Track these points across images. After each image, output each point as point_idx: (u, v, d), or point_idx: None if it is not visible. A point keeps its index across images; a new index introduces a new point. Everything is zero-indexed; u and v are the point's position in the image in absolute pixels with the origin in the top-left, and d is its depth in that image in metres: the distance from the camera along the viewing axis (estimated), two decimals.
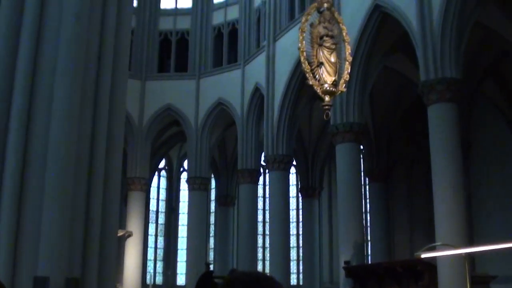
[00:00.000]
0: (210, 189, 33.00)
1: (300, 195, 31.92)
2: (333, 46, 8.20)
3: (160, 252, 33.86)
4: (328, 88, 8.07)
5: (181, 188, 34.56)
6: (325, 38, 8.19)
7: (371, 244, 27.38)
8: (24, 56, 5.14)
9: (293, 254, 31.50)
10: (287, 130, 23.76)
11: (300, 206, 32.32)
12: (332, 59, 8.15)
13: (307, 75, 8.09)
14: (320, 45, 8.17)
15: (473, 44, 19.56)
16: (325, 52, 8.13)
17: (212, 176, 32.58)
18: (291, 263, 30.08)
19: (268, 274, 2.66)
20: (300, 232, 31.92)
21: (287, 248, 24.65)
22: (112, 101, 5.64)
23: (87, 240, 5.21)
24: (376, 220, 26.99)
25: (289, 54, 22.47)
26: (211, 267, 26.83)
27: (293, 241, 31.56)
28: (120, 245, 25.85)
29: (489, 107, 23.60)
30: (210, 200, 33.72)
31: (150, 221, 33.13)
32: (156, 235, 33.84)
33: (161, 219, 34.35)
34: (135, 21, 27.17)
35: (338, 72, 8.19)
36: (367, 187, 28.30)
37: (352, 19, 18.78)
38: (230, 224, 32.01)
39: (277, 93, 23.89)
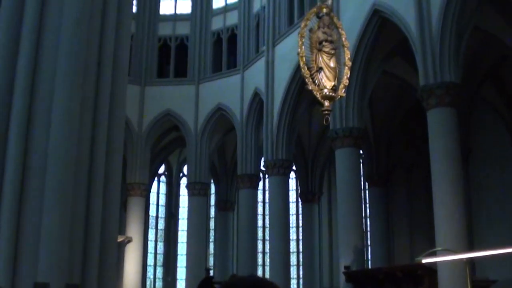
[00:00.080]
0: (210, 194, 32.98)
1: (299, 200, 31.89)
2: (333, 51, 8.22)
3: (160, 258, 33.82)
4: (327, 93, 8.08)
5: (180, 193, 34.53)
6: (324, 43, 8.20)
7: (371, 248, 27.34)
8: (25, 62, 5.15)
9: (293, 259, 31.45)
10: (286, 135, 23.75)
11: (300, 211, 32.29)
12: (332, 64, 8.16)
13: (306, 80, 8.10)
14: (320, 50, 8.18)
15: (472, 49, 19.59)
16: (325, 57, 8.14)
17: (212, 181, 32.55)
18: (291, 268, 30.02)
19: (267, 279, 2.65)
20: (300, 237, 31.89)
21: (287, 253, 24.61)
22: (111, 106, 5.65)
23: (87, 246, 5.21)
24: (376, 225, 26.97)
25: (288, 59, 22.49)
26: (211, 272, 26.83)
27: (293, 246, 31.51)
28: (119, 250, 25.80)
29: (488, 111, 23.60)
30: (209, 206, 33.69)
31: (149, 226, 33.10)
32: (156, 241, 33.80)
33: (161, 224, 34.31)
34: (134, 26, 27.19)
35: (338, 77, 8.20)
36: (367, 191, 28.28)
37: (351, 24, 18.80)
38: (230, 229, 31.97)
39: (276, 98, 23.89)
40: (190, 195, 28.31)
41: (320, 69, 8.12)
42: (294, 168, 29.61)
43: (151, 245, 33.27)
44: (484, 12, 17.73)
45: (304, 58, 8.14)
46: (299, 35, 8.26)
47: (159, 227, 34.16)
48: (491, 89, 23.18)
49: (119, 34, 5.82)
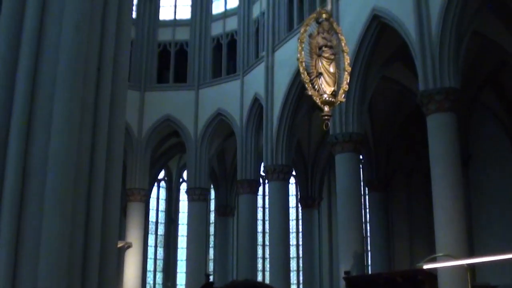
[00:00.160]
0: (210, 199, 32.96)
1: (299, 205, 31.86)
2: (332, 57, 8.22)
3: (160, 263, 33.78)
4: (327, 98, 8.08)
5: (180, 198, 34.51)
6: (324, 48, 8.21)
7: (371, 254, 27.32)
8: (25, 68, 5.16)
9: (293, 264, 31.41)
10: (286, 140, 23.76)
11: (300, 216, 32.26)
12: (331, 69, 8.16)
13: (306, 85, 8.10)
14: (319, 55, 8.18)
15: (472, 54, 19.61)
16: (324, 63, 8.15)
17: (212, 186, 32.53)
18: (291, 274, 30.00)
19: (267, 284, 2.65)
20: (300, 243, 31.85)
21: (287, 258, 24.59)
22: (112, 112, 5.65)
23: (87, 251, 5.20)
24: (376, 230, 26.95)
25: (288, 64, 22.51)
26: (211, 278, 26.79)
27: (293, 251, 31.47)
28: (119, 256, 25.79)
29: (488, 116, 23.61)
30: (209, 211, 33.66)
31: (149, 232, 33.06)
32: (155, 246, 33.76)
33: (161, 230, 34.28)
34: (134, 32, 27.23)
35: (337, 82, 8.20)
36: (367, 196, 28.27)
37: (351, 29, 18.83)
38: (229, 234, 31.94)
39: (276, 103, 23.91)
40: (190, 200, 28.31)
41: (319, 74, 8.12)
42: (294, 173, 29.61)
43: (151, 251, 33.23)
44: (483, 17, 17.76)
45: (303, 64, 8.14)
46: (299, 40, 8.27)
47: (159, 233, 34.12)
48: (491, 94, 23.21)
49: (119, 39, 5.83)
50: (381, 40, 19.37)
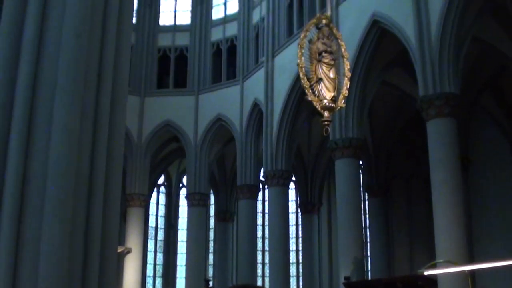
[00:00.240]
0: (209, 205, 32.94)
1: (299, 210, 31.83)
2: (332, 62, 8.24)
3: (159, 269, 33.73)
4: (327, 103, 8.09)
5: (180, 204, 34.49)
6: (324, 54, 8.23)
7: (371, 259, 27.29)
8: (25, 73, 5.16)
9: (293, 270, 31.37)
10: (286, 145, 23.75)
11: (300, 222, 32.23)
12: (331, 75, 8.18)
13: (306, 91, 8.11)
14: (319, 61, 8.20)
15: (472, 59, 19.64)
16: (324, 68, 8.16)
17: (211, 192, 32.51)
18: (291, 279, 29.96)
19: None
20: (300, 248, 31.81)
21: (287, 264, 24.54)
22: (112, 118, 5.65)
23: (87, 256, 5.20)
24: (376, 235, 26.92)
25: (287, 70, 22.53)
26: (211, 283, 26.72)
27: (292, 257, 31.43)
28: (119, 261, 25.75)
29: (487, 121, 23.63)
30: (209, 216, 33.64)
31: (149, 237, 33.03)
32: (155, 252, 33.72)
33: (160, 235, 34.24)
34: (134, 37, 27.27)
35: (337, 87, 8.22)
36: (367, 202, 28.25)
37: (351, 35, 18.85)
38: (229, 240, 31.91)
39: (276, 108, 23.92)
40: (189, 205, 28.29)
41: (319, 79, 8.14)
42: (293, 178, 29.60)
43: (150, 256, 33.19)
44: (483, 23, 17.79)
45: (303, 69, 8.16)
46: (299, 46, 8.28)
47: (158, 238, 34.08)
48: (491, 99, 23.23)
49: (119, 45, 5.83)
50: (381, 46, 19.39)
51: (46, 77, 5.18)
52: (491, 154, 23.47)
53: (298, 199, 31.93)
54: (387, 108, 25.15)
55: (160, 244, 34.04)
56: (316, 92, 8.11)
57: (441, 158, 15.74)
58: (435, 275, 14.59)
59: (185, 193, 30.18)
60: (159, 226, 34.26)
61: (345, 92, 8.32)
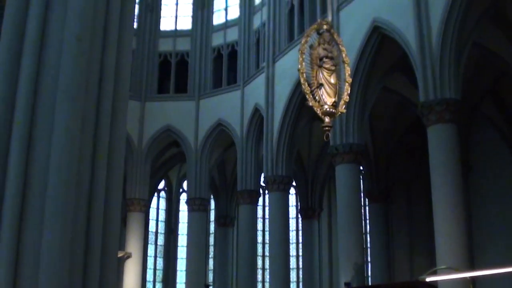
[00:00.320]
0: (210, 210, 32.91)
1: (299, 216, 31.80)
2: (333, 68, 8.23)
3: (159, 274, 33.67)
4: (328, 109, 8.08)
5: (180, 209, 34.45)
6: (324, 59, 8.22)
7: (371, 265, 27.25)
8: (26, 77, 5.16)
9: (293, 275, 31.33)
10: (286, 151, 23.75)
11: (300, 227, 32.20)
12: (332, 80, 8.17)
13: (307, 96, 8.10)
14: (320, 66, 8.19)
15: (472, 65, 19.64)
16: (325, 74, 8.16)
17: (212, 197, 32.50)
18: (291, 285, 29.91)
19: None
20: (300, 253, 31.77)
21: (287, 269, 24.51)
22: (113, 122, 5.65)
23: (87, 261, 5.19)
24: (376, 241, 26.89)
25: (288, 75, 22.54)
26: None
27: (293, 262, 31.40)
28: (119, 266, 25.72)
29: (488, 127, 23.64)
30: (209, 221, 33.60)
31: (149, 242, 32.99)
32: (155, 257, 33.67)
33: (160, 240, 34.20)
34: (135, 42, 27.29)
35: (338, 93, 8.21)
36: (367, 207, 28.23)
37: (352, 41, 18.87)
38: (229, 245, 31.88)
39: (276, 114, 23.92)
40: (189, 210, 28.28)
41: (320, 85, 8.13)
42: (294, 184, 29.57)
43: (150, 261, 33.14)
44: (484, 28, 17.80)
45: (304, 75, 8.15)
46: (300, 51, 8.28)
47: (158, 243, 34.05)
48: (491, 104, 23.24)
49: (120, 49, 5.84)
50: (381, 51, 19.40)
51: (47, 82, 5.19)
52: (492, 159, 23.47)
53: (299, 204, 31.91)
54: (387, 113, 25.14)
55: (160, 249, 34.00)
56: (316, 97, 8.11)
57: (441, 164, 15.74)
58: (436, 281, 14.57)
59: (185, 198, 30.18)
60: (159, 231, 34.22)
61: (346, 97, 8.32)
